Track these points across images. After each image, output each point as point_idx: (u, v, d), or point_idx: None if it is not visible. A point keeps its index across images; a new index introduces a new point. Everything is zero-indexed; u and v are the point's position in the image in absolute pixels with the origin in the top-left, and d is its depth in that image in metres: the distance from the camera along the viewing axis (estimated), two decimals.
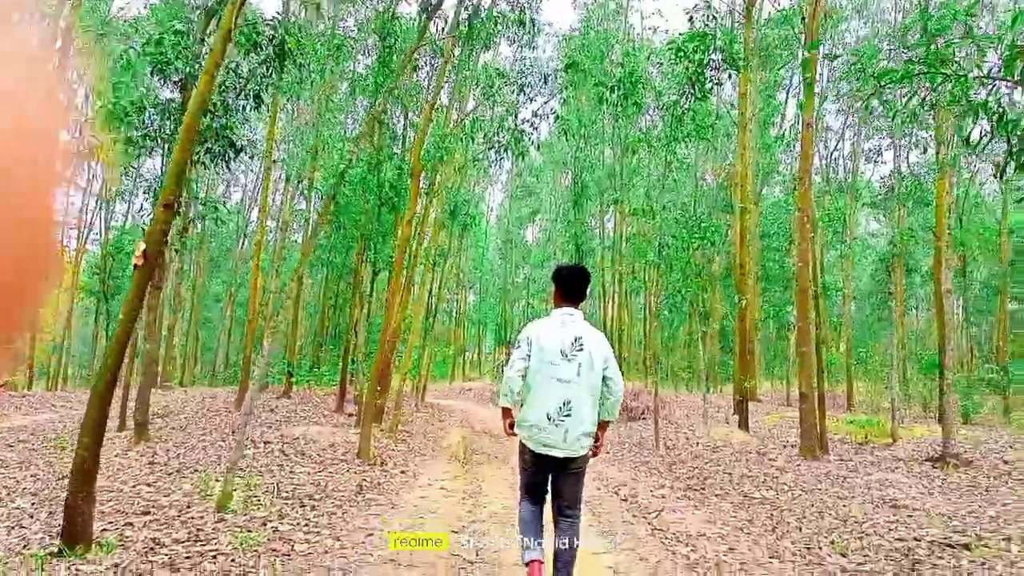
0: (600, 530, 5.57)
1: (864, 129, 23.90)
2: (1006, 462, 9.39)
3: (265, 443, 9.01)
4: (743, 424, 13.32)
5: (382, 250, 13.49)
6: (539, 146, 15.54)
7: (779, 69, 20.54)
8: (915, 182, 14.62)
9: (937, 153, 15.21)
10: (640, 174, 23.10)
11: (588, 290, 3.86)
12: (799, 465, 8.91)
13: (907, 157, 23.06)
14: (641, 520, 5.98)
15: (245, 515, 5.48)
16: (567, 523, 3.73)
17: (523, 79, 15.13)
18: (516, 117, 14.49)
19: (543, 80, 14.95)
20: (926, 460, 9.78)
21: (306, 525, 5.36)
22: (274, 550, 4.62)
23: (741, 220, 14.31)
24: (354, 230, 14.77)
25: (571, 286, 3.76)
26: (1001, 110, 4.48)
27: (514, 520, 4.21)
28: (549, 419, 3.51)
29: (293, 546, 4.76)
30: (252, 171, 32.06)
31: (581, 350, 3.57)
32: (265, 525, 5.22)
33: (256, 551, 4.59)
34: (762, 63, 21.03)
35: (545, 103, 15.29)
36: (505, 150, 14.78)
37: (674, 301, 11.56)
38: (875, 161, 29.74)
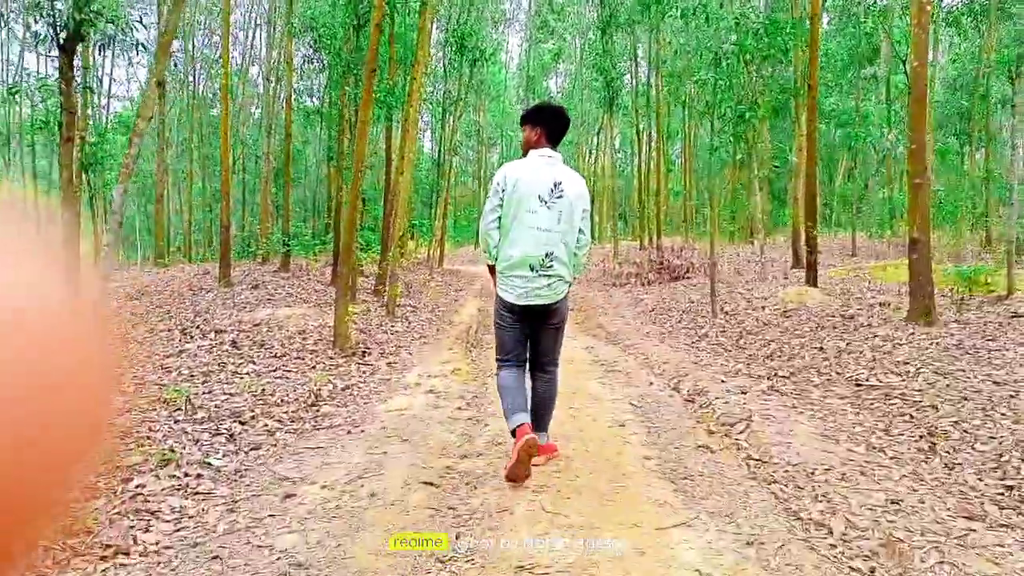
0: (663, 468, 3.48)
1: None
2: None
3: (216, 332, 7.05)
4: (811, 280, 11.11)
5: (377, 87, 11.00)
6: None
7: None
8: None
9: None
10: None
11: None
12: (912, 333, 6.72)
13: None
14: (723, 440, 3.91)
15: (120, 464, 3.52)
16: (546, 378, 3.52)
17: None
18: None
19: None
20: None
21: (197, 479, 3.39)
22: (107, 549, 2.65)
23: (812, 29, 11.39)
24: (338, 64, 12.17)
25: (556, 124, 3.43)
26: None
27: None
28: (532, 270, 3.25)
29: (137, 543, 2.78)
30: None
31: (561, 197, 3.27)
32: (127, 483, 3.25)
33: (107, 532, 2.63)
34: None
35: None
36: None
37: (735, 131, 9.04)
38: None
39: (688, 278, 14.66)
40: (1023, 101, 10.62)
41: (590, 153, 34.30)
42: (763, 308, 9.19)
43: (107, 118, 26.74)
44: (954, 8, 22.81)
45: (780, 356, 6.39)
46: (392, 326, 8.57)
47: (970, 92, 22.90)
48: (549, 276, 3.24)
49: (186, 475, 3.42)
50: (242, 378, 5.45)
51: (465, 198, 43.68)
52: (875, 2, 17.06)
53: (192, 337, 6.93)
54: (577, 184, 3.33)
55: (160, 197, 19.30)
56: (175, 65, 29.52)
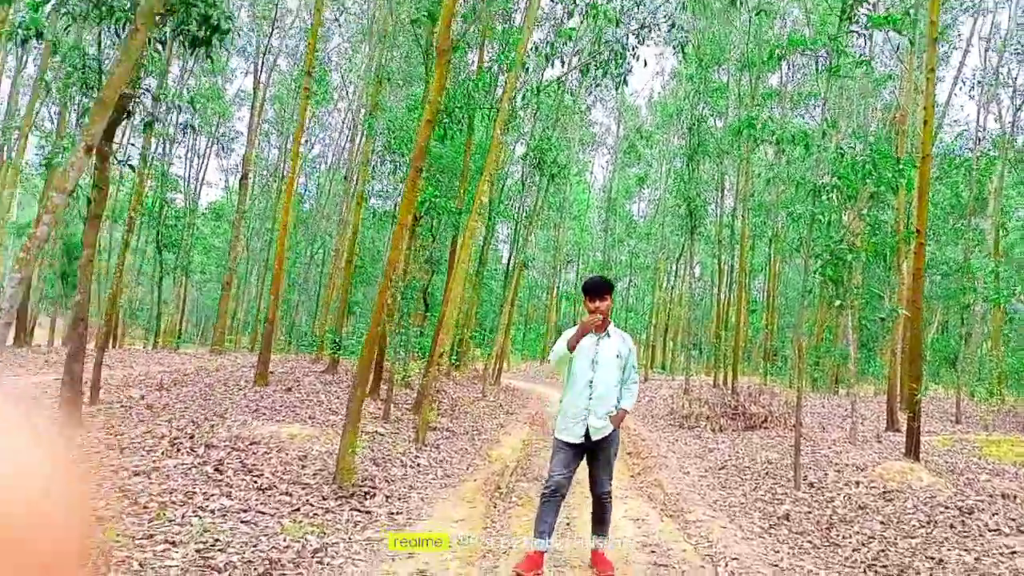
0: None
1: None
2: None
3: (207, 448, 6.11)
4: (912, 453, 9.49)
5: (437, 191, 10.47)
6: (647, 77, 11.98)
7: None
8: None
9: None
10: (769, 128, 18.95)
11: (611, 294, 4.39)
12: None
13: None
14: None
15: None
16: (603, 504, 4.33)
17: None
18: (616, 26, 11.07)
19: None
20: None
21: None
22: None
23: (923, 170, 10.29)
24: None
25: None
26: None
27: None
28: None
29: None
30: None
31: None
32: None
33: None
34: None
35: (657, 10, 11.70)
36: (604, 73, 11.43)
37: (833, 273, 7.86)
38: None
39: (765, 428, 13.07)
40: None
41: (668, 279, 33.28)
42: (857, 484, 7.66)
43: (195, 204, 27.64)
44: None
45: (884, 566, 4.94)
46: (416, 457, 7.46)
47: None
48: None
49: None
50: (200, 518, 4.42)
51: (537, 311, 42.96)
52: (984, 153, 15.86)
53: (178, 451, 6.00)
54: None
55: (227, 284, 19.18)
56: (264, 159, 30.61)
